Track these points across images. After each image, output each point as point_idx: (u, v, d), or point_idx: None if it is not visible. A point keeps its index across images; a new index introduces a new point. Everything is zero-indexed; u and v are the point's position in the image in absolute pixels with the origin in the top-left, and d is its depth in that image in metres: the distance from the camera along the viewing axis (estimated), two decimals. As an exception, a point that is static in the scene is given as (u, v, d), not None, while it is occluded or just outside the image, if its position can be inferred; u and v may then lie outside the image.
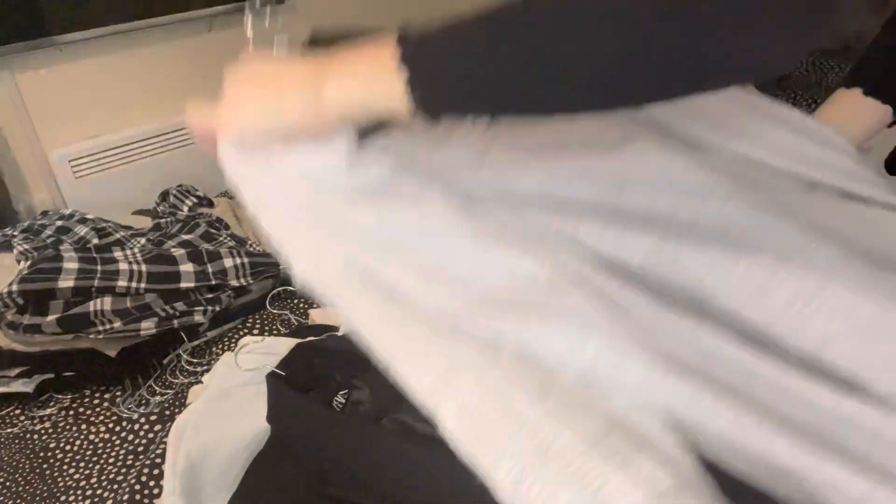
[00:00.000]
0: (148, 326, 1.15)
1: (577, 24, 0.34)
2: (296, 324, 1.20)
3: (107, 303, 1.15)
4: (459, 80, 0.38)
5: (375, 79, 0.41)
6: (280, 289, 1.33)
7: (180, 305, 1.21)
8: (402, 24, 0.41)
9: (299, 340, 0.99)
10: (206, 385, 0.94)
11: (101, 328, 1.13)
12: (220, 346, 1.16)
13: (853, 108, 0.68)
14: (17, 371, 1.10)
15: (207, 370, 1.11)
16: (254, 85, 0.49)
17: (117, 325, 1.14)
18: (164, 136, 2.08)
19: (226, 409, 0.87)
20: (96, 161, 1.97)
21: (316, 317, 1.15)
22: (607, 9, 0.33)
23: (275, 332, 1.18)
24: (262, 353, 0.96)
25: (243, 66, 0.50)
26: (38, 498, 0.93)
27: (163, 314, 1.17)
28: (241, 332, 1.18)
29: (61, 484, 0.94)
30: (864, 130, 0.68)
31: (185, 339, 1.17)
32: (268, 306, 1.26)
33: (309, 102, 0.44)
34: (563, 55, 0.35)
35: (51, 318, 1.11)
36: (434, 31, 0.40)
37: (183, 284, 1.22)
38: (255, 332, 1.19)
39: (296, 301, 1.27)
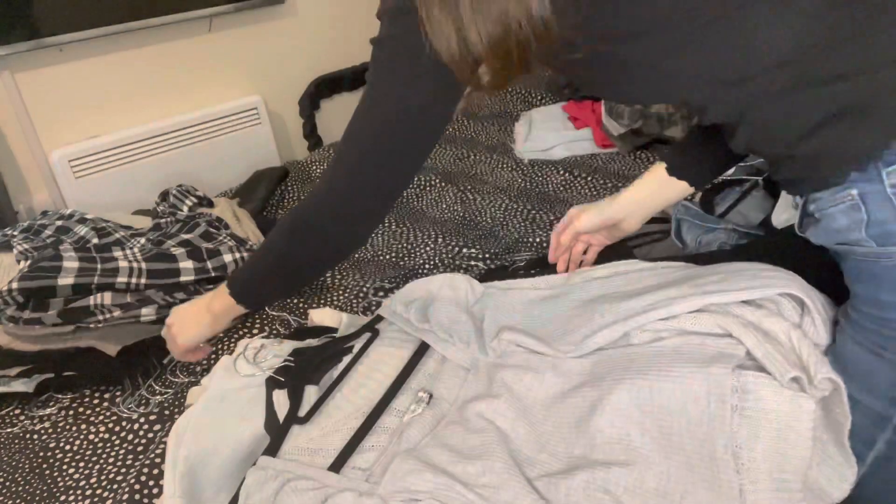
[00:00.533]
0: (148, 313, 1.17)
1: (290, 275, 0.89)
2: (295, 325, 1.20)
3: (107, 297, 1.16)
4: (252, 293, 0.92)
5: (227, 301, 0.92)
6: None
7: (180, 294, 1.21)
8: (230, 274, 1.03)
9: (298, 343, 0.99)
10: (205, 387, 0.94)
11: (101, 317, 1.14)
12: (220, 346, 1.16)
13: (659, 181, 0.89)
14: (16, 371, 1.10)
15: (206, 370, 1.11)
16: (184, 323, 0.98)
17: (117, 313, 1.15)
18: (164, 136, 2.08)
19: (225, 411, 0.87)
20: (96, 161, 1.97)
21: (315, 318, 1.15)
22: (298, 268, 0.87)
23: (273, 333, 1.18)
24: (265, 354, 0.96)
25: (174, 315, 0.99)
26: (37, 498, 0.93)
27: (163, 303, 1.18)
28: (241, 332, 1.19)
29: (61, 484, 0.94)
30: (668, 199, 0.90)
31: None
32: (266, 307, 1.26)
33: (208, 321, 0.96)
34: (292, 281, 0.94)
35: (51, 311, 1.12)
36: (239, 275, 0.93)
37: (183, 278, 1.23)
38: (255, 331, 1.19)
39: (295, 301, 1.27)
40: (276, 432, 0.82)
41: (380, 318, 0.97)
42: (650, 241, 1.16)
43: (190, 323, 0.96)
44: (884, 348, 0.62)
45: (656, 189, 0.89)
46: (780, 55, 0.59)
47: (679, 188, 0.87)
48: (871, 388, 0.63)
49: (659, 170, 0.88)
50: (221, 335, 1.19)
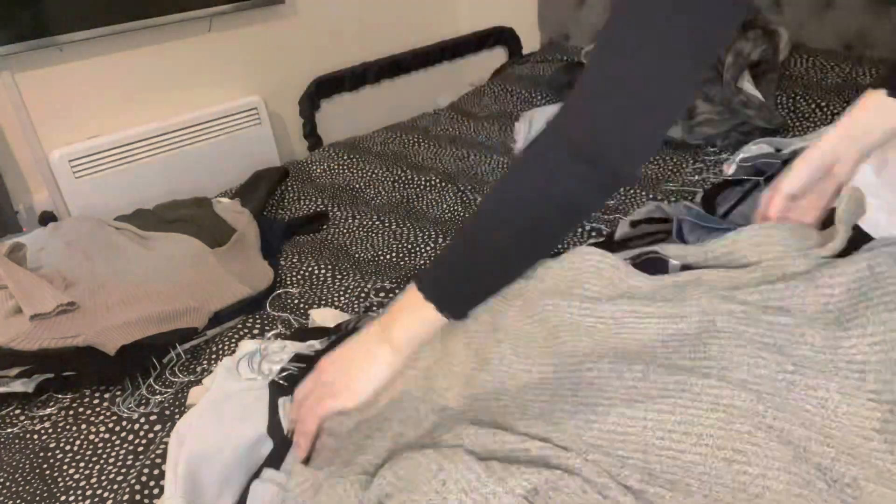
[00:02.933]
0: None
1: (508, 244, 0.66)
2: (296, 325, 1.20)
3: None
4: (463, 292, 0.69)
5: (419, 314, 0.68)
6: (280, 291, 1.33)
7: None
8: (416, 273, 0.69)
9: (300, 345, 0.99)
10: (207, 387, 0.94)
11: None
12: (220, 347, 1.16)
13: (877, 108, 0.75)
14: (16, 371, 1.10)
15: (206, 369, 1.11)
16: (350, 367, 0.73)
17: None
18: (164, 136, 2.08)
19: (227, 413, 0.86)
20: (96, 161, 1.97)
21: (317, 318, 1.15)
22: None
23: (275, 333, 1.18)
24: (269, 360, 0.96)
25: (333, 359, 0.75)
26: (37, 498, 0.92)
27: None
28: (241, 333, 1.18)
29: (61, 484, 0.94)
30: (886, 129, 0.75)
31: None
32: (267, 307, 1.26)
33: (389, 353, 0.71)
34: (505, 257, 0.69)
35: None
36: (436, 267, 0.68)
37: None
38: (256, 331, 1.19)
39: (296, 302, 1.27)
40: (280, 443, 0.82)
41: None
42: (651, 241, 1.15)
43: (362, 368, 0.72)
44: None
45: (873, 117, 0.75)
46: None
47: None
48: None
49: (873, 96, 0.75)
50: (219, 336, 1.19)
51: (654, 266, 0.89)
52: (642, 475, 0.64)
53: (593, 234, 1.42)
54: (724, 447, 0.63)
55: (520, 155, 0.64)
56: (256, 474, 0.79)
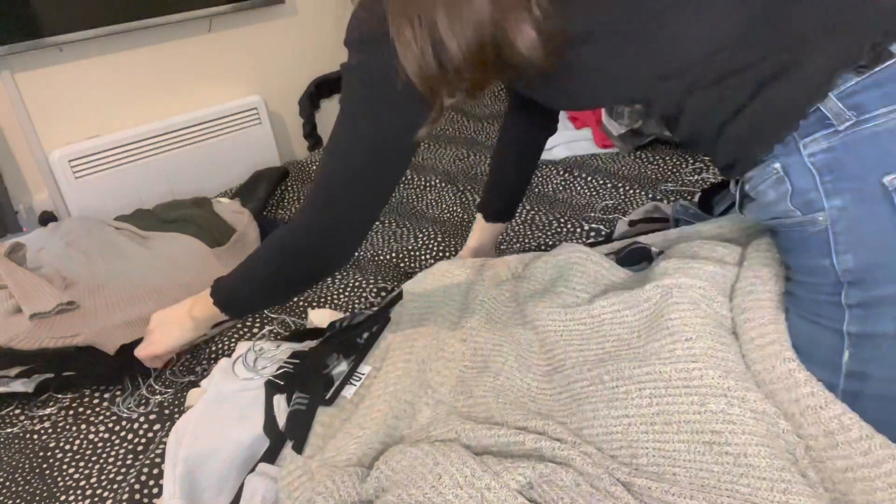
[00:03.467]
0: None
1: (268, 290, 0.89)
2: (293, 326, 1.20)
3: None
4: (238, 303, 0.93)
5: (211, 309, 0.91)
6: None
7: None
8: (217, 279, 0.93)
9: (296, 346, 0.99)
10: (205, 389, 0.94)
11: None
12: (220, 347, 1.16)
13: (481, 230, 1.22)
14: (16, 371, 1.10)
15: (206, 369, 1.11)
16: (166, 328, 0.99)
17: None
18: (164, 136, 2.08)
19: (224, 413, 0.87)
20: (96, 161, 1.97)
21: (315, 318, 1.15)
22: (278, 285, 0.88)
23: (272, 334, 1.18)
24: (263, 358, 0.96)
25: (159, 317, 1.01)
26: (37, 498, 0.93)
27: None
28: (240, 333, 1.19)
29: (61, 484, 0.94)
30: (490, 242, 1.24)
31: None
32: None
33: (190, 326, 0.97)
34: (269, 291, 0.90)
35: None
36: (223, 280, 0.92)
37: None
38: (255, 331, 1.19)
39: (295, 301, 1.27)
40: (276, 439, 0.82)
41: (392, 305, 1.00)
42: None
43: (173, 328, 0.98)
44: (819, 315, 0.66)
45: (486, 239, 1.22)
46: (710, 47, 0.65)
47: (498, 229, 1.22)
48: (815, 359, 0.67)
49: (479, 224, 1.22)
50: (220, 335, 1.19)
51: (638, 255, 0.93)
52: (630, 469, 0.65)
53: (592, 234, 1.43)
54: (702, 430, 0.65)
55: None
56: (252, 470, 0.79)
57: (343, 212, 0.79)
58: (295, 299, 1.27)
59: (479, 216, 1.22)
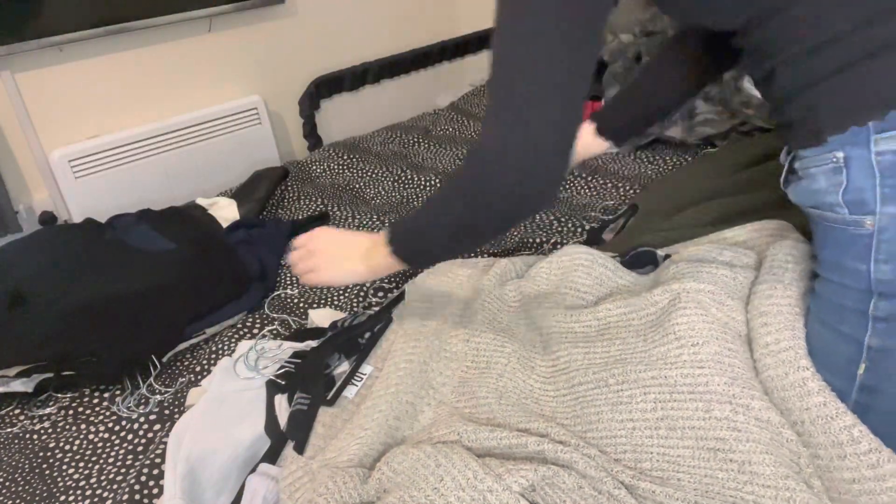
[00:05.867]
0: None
1: (461, 229, 0.70)
2: (294, 326, 1.20)
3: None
4: (415, 251, 0.77)
5: (388, 258, 0.78)
6: (279, 292, 1.33)
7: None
8: (389, 225, 0.80)
9: (298, 346, 0.99)
10: (205, 389, 0.94)
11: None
12: (220, 347, 1.16)
13: (584, 137, 1.03)
14: (16, 370, 1.10)
15: (205, 369, 1.11)
16: (335, 262, 0.84)
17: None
18: (164, 136, 2.08)
19: (225, 413, 0.87)
20: (96, 161, 1.97)
21: (315, 318, 1.15)
22: (474, 222, 0.69)
23: (274, 334, 1.18)
24: (265, 357, 0.96)
25: (328, 242, 0.85)
26: (37, 498, 0.92)
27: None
28: (241, 333, 1.18)
29: (61, 484, 0.94)
30: (588, 152, 1.05)
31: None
32: (266, 308, 1.26)
33: (363, 270, 0.82)
34: (457, 238, 0.72)
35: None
36: (401, 225, 0.78)
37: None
38: (256, 331, 1.19)
39: (295, 301, 1.27)
40: (277, 439, 0.82)
41: (394, 305, 1.00)
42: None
43: (342, 265, 0.83)
44: (842, 322, 0.64)
45: (583, 144, 1.03)
46: None
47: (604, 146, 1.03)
48: (831, 367, 0.65)
49: (584, 129, 1.02)
50: (221, 334, 1.19)
51: (644, 258, 0.92)
52: (634, 472, 0.65)
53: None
54: (706, 437, 0.64)
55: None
56: (253, 470, 0.79)
57: (543, 117, 0.61)
58: (295, 300, 1.27)
59: (585, 125, 1.00)
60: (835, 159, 0.59)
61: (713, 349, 0.70)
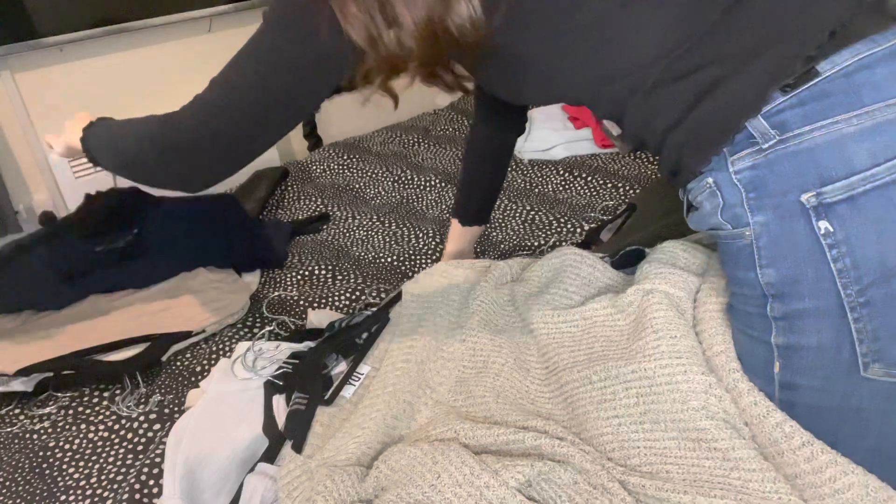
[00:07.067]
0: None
1: (125, 152, 0.86)
2: (293, 326, 1.20)
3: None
4: (96, 147, 0.91)
5: (77, 137, 0.93)
6: (278, 293, 1.33)
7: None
8: (99, 118, 0.95)
9: (296, 346, 1.00)
10: (204, 390, 0.94)
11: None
12: (219, 347, 1.16)
13: (459, 235, 1.23)
14: (15, 370, 1.10)
15: (205, 369, 1.11)
16: (68, 130, 0.98)
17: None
18: (163, 135, 2.08)
19: (223, 414, 0.87)
20: (96, 161, 1.97)
21: (314, 319, 1.15)
22: (137, 151, 0.83)
23: (272, 334, 1.18)
24: (262, 358, 0.96)
25: (74, 119, 0.98)
26: (37, 497, 0.93)
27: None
28: (241, 333, 1.19)
29: (61, 483, 0.94)
30: (469, 246, 1.25)
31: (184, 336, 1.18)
32: (264, 310, 1.26)
33: (62, 142, 1.00)
34: (123, 161, 0.87)
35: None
36: (103, 125, 0.92)
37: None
38: (256, 330, 1.19)
39: (295, 299, 1.27)
40: (275, 439, 0.82)
41: (391, 305, 1.00)
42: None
43: (61, 138, 1.01)
44: (751, 327, 0.68)
45: (463, 245, 1.24)
46: (651, 53, 0.66)
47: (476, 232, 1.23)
48: (753, 370, 0.69)
49: (454, 229, 1.23)
50: (220, 335, 1.19)
51: (633, 257, 0.93)
52: (624, 468, 0.66)
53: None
54: (687, 428, 0.66)
55: None
56: (251, 470, 0.79)
57: (227, 134, 0.77)
58: (294, 301, 1.27)
59: (454, 221, 1.22)
60: (709, 185, 0.66)
61: (690, 343, 0.72)
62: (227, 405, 0.88)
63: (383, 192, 1.79)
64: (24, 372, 1.09)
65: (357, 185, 1.85)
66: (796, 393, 0.66)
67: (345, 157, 2.00)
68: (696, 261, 0.83)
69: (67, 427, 1.05)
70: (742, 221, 0.64)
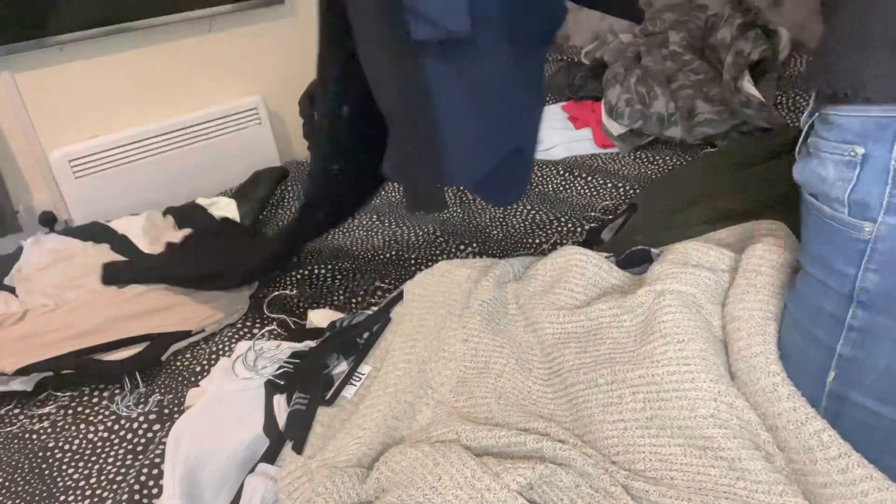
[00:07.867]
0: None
1: None
2: (293, 326, 1.20)
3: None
4: None
5: None
6: (278, 293, 1.33)
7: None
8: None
9: (296, 346, 0.99)
10: (204, 389, 0.94)
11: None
12: (219, 347, 1.16)
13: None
14: (14, 369, 1.10)
15: (205, 369, 1.11)
16: None
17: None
18: (164, 136, 2.08)
19: (223, 413, 0.87)
20: (96, 161, 1.97)
21: (315, 319, 1.15)
22: None
23: (273, 334, 1.18)
24: (263, 357, 0.96)
25: None
26: (37, 497, 0.92)
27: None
28: (241, 333, 1.18)
29: (60, 484, 0.94)
30: None
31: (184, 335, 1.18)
32: (265, 310, 1.26)
33: None
34: None
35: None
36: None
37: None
38: (256, 330, 1.19)
39: (295, 300, 1.27)
40: (275, 439, 0.82)
41: (392, 305, 1.00)
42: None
43: None
44: (815, 325, 0.62)
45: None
46: None
47: None
48: (802, 372, 0.65)
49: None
50: (220, 334, 1.19)
51: (638, 257, 0.93)
52: (628, 472, 0.65)
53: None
54: (694, 435, 0.65)
55: None
56: (252, 470, 0.79)
57: None
58: (294, 300, 1.27)
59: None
60: (852, 153, 0.55)
61: (698, 346, 0.70)
62: (227, 405, 0.88)
63: (383, 192, 1.78)
64: (23, 371, 1.09)
65: (357, 185, 1.84)
66: (846, 406, 0.62)
67: (345, 157, 2.00)
68: (708, 258, 0.82)
69: (67, 427, 1.04)
70: (868, 214, 0.55)
